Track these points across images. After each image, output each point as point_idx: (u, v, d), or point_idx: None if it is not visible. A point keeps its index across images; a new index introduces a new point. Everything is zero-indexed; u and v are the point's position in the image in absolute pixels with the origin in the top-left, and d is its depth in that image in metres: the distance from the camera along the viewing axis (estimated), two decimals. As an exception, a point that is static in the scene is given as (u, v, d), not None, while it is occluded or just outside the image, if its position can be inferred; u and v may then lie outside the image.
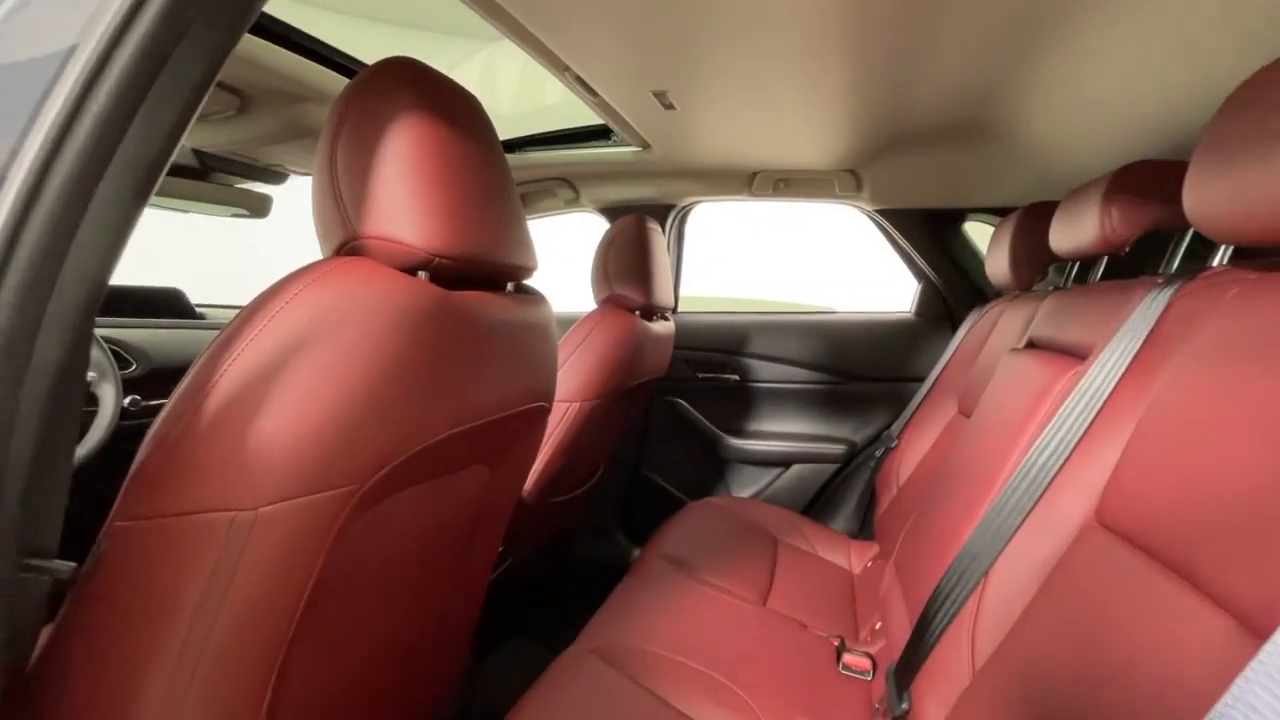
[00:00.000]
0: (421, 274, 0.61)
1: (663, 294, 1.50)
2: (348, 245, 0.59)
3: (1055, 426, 0.78)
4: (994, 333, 1.38)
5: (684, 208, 1.85)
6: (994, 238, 1.36)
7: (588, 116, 1.53)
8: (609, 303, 1.44)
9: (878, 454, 1.68)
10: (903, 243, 1.69)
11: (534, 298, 0.84)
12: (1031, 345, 1.08)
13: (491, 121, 0.72)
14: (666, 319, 1.67)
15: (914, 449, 1.56)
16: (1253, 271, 0.62)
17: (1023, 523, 0.75)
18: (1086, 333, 0.83)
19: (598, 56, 0.99)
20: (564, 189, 1.78)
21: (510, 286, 0.80)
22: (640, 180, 1.73)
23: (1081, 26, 0.85)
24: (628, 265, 1.42)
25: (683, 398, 1.95)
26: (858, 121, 1.30)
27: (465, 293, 0.66)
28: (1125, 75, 0.99)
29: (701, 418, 1.93)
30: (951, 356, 1.56)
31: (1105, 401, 0.73)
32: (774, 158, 1.53)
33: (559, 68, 1.06)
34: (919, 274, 1.76)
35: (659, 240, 1.49)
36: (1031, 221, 1.20)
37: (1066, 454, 0.75)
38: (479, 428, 0.71)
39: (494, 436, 0.77)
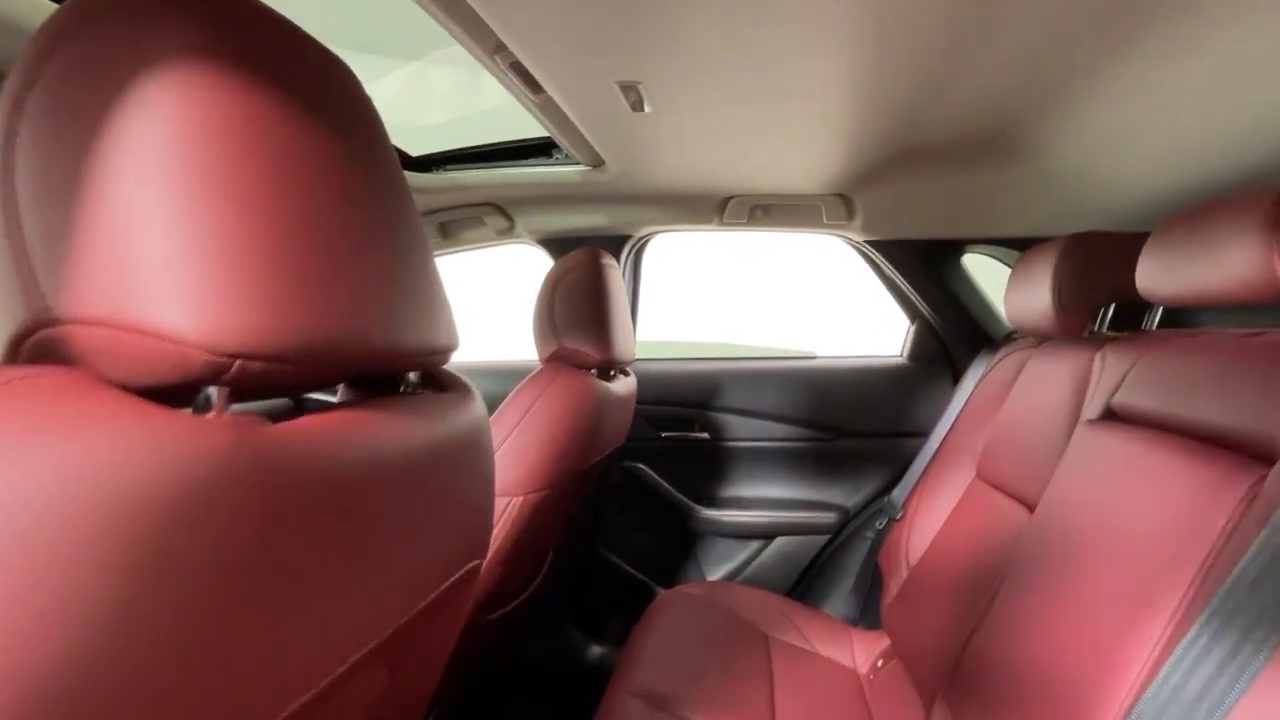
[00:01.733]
0: (211, 391, 0.31)
1: (624, 345, 1.20)
2: (34, 337, 0.29)
3: (1257, 561, 0.53)
4: (1021, 386, 1.15)
5: (641, 239, 1.56)
6: (1017, 273, 1.14)
7: (525, 127, 1.22)
8: (557, 360, 1.13)
9: (879, 525, 1.43)
10: (897, 278, 1.46)
11: (452, 395, 0.53)
12: (1114, 416, 0.85)
13: (370, 102, 0.44)
14: (627, 374, 1.37)
15: (925, 521, 1.31)
16: None
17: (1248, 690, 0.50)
18: (1263, 415, 0.59)
19: (546, 32, 0.70)
20: (495, 217, 1.46)
21: (414, 378, 0.50)
22: (589, 206, 1.43)
23: (1147, 48, 0.75)
24: (580, 311, 1.12)
25: (644, 462, 1.64)
26: (860, 135, 1.05)
27: (305, 422, 0.35)
28: (1190, 99, 0.85)
29: (667, 485, 1.63)
30: (962, 410, 1.33)
31: None
32: (752, 179, 1.28)
33: (489, 48, 0.75)
34: (913, 313, 1.54)
35: (616, 278, 1.19)
36: (1081, 253, 0.98)
37: None
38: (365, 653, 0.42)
39: (395, 640, 0.47)
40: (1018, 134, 1.05)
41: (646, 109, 0.88)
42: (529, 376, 1.09)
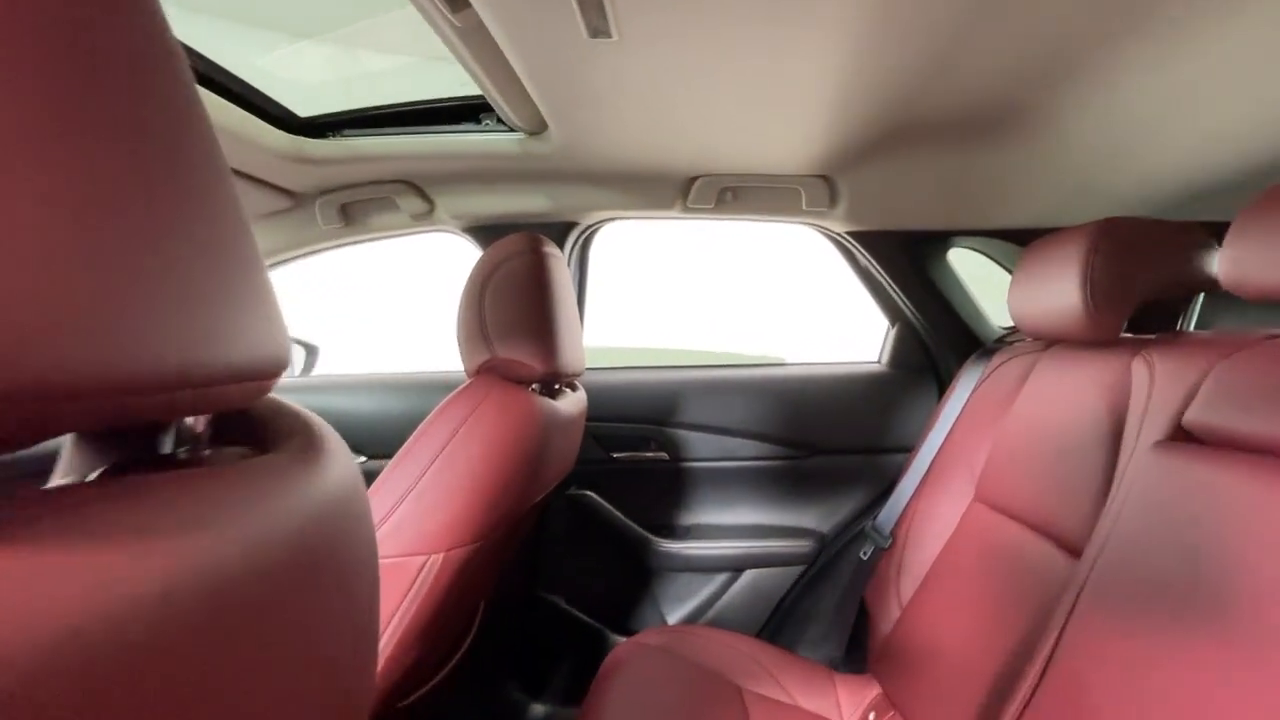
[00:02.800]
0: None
1: (572, 353, 0.98)
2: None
3: None
4: (1030, 396, 1.01)
5: (589, 227, 1.33)
6: (1024, 267, 1.00)
7: (449, 83, 0.98)
8: (490, 374, 0.89)
9: (862, 554, 1.25)
10: (880, 274, 1.30)
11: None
12: (1189, 436, 0.69)
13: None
14: (575, 388, 1.14)
15: (918, 550, 1.14)
16: None
17: None
18: None
19: None
20: (410, 197, 1.20)
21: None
22: (527, 186, 1.19)
23: (1186, 15, 0.67)
24: (518, 312, 0.89)
25: (592, 488, 1.41)
26: (852, 108, 0.88)
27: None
28: (1232, 73, 0.75)
29: (619, 514, 1.40)
30: (955, 423, 1.17)
31: None
32: (723, 156, 1.08)
33: None
34: (895, 315, 1.38)
35: (562, 272, 0.97)
36: (1115, 241, 0.84)
37: None
38: None
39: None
40: (1030, 112, 0.90)
41: (613, 34, 0.65)
42: (452, 394, 0.84)
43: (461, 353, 0.94)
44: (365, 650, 0.34)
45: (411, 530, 0.77)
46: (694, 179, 1.15)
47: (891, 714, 1.05)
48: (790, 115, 0.93)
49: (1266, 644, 0.50)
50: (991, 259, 1.32)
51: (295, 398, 1.48)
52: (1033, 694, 0.72)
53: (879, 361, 1.44)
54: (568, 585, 1.44)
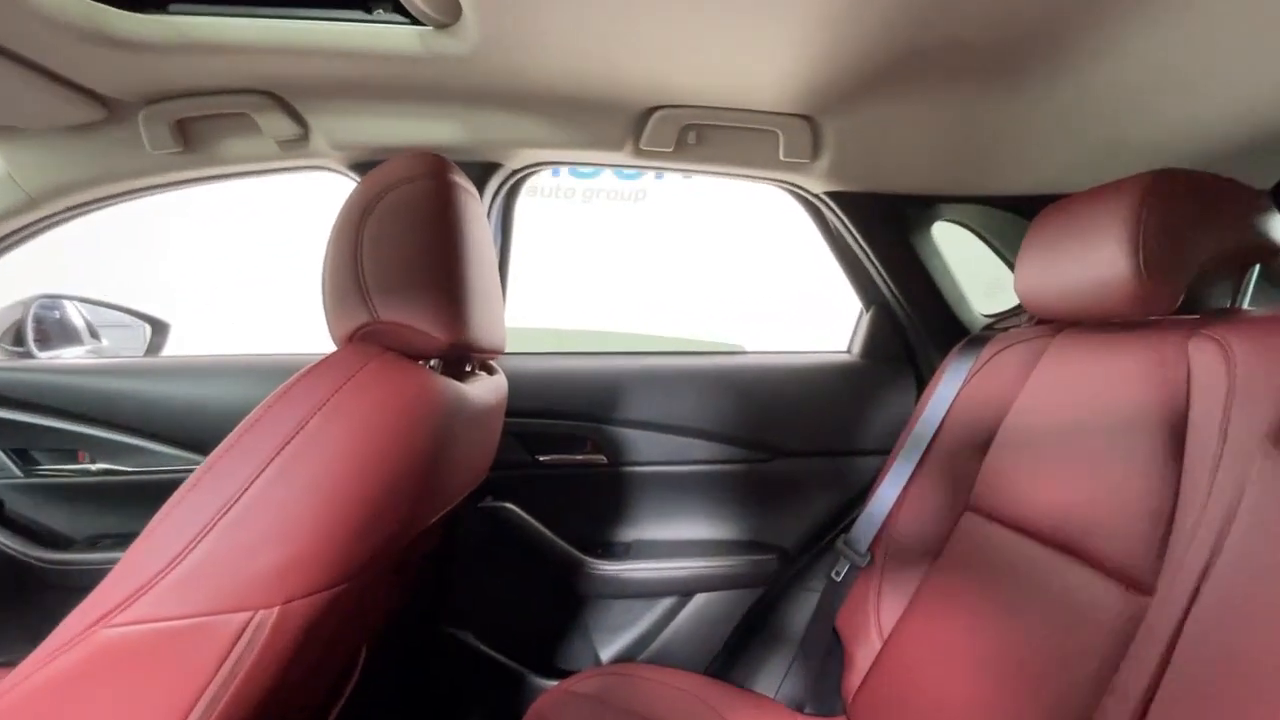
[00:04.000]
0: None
1: (489, 323, 0.73)
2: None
3: None
4: (1040, 387, 0.85)
5: (517, 173, 1.07)
6: (1036, 237, 0.84)
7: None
8: (367, 343, 0.63)
9: (834, 574, 1.07)
10: (860, 248, 1.12)
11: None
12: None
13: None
14: (493, 371, 0.88)
15: (901, 572, 0.97)
16: None
17: None
18: None
19: None
20: (274, 115, 0.90)
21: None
22: (433, 107, 0.92)
23: None
24: (414, 258, 0.64)
25: (513, 499, 1.15)
26: (841, 30, 0.70)
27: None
28: None
29: (546, 530, 1.15)
30: (942, 421, 1.01)
31: None
32: (688, 83, 0.85)
33: None
34: (871, 296, 1.20)
35: (476, 211, 0.72)
36: (1172, 198, 0.68)
37: None
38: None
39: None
40: (1051, 51, 0.74)
41: None
42: (307, 369, 0.57)
43: (328, 315, 0.66)
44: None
45: (221, 576, 0.49)
46: (651, 111, 0.91)
47: None
48: (771, 35, 0.72)
49: None
50: (980, 236, 1.17)
51: (131, 383, 1.13)
52: None
53: (849, 351, 1.27)
54: (480, 618, 1.17)
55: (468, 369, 0.79)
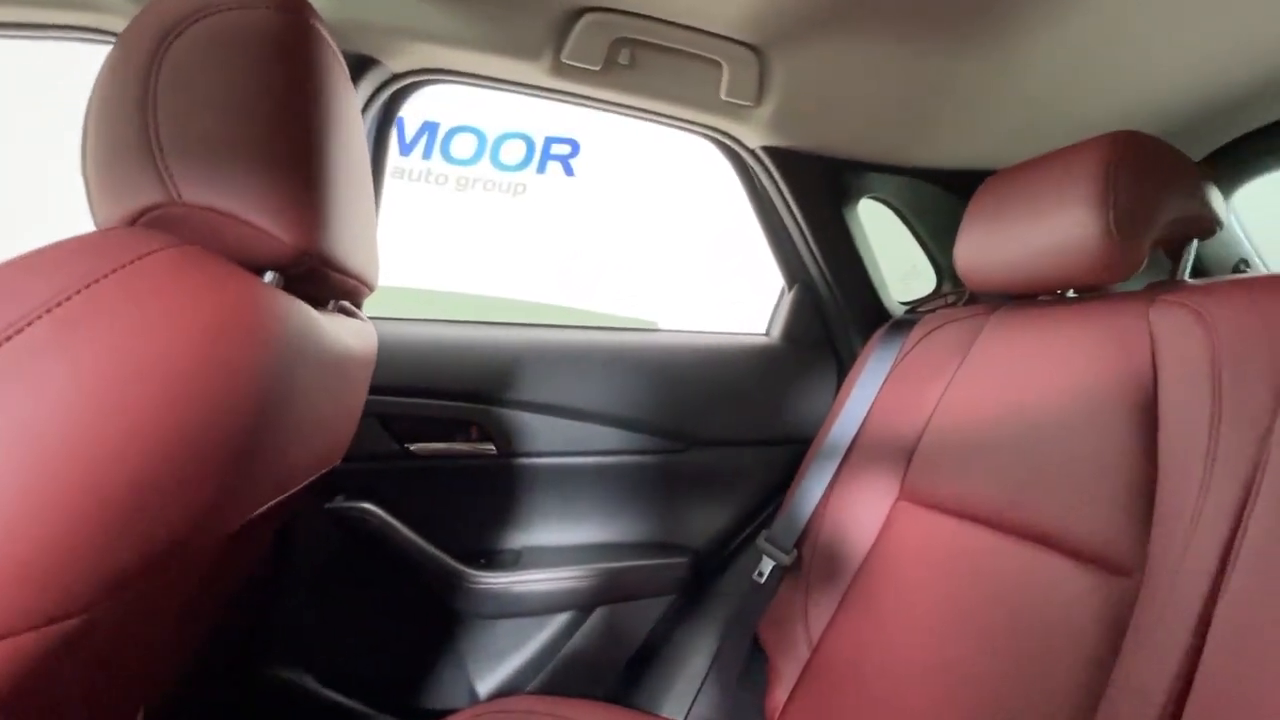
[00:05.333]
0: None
1: (356, 239, 0.52)
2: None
3: None
4: (979, 366, 0.80)
5: (401, 79, 0.84)
6: (982, 208, 0.79)
7: None
8: (159, 229, 0.40)
9: (757, 575, 0.95)
10: (794, 214, 1.02)
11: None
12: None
13: None
14: (356, 313, 0.66)
15: (831, 570, 0.88)
16: None
17: None
18: None
19: None
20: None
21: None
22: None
23: None
24: (244, 115, 0.42)
25: (373, 498, 0.91)
26: None
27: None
28: None
29: (417, 538, 0.92)
30: (871, 406, 0.94)
31: None
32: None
33: None
34: (796, 273, 1.12)
35: (342, 79, 0.51)
36: (1138, 161, 0.65)
37: None
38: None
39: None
40: (1010, 6, 0.70)
41: None
42: (31, 252, 0.34)
43: (90, 195, 0.43)
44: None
45: None
46: (580, 13, 0.74)
47: None
48: None
49: None
50: (904, 217, 1.13)
51: None
52: None
53: (768, 334, 1.17)
54: (323, 655, 0.91)
55: (325, 305, 0.57)
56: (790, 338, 1.12)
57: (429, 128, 4.02)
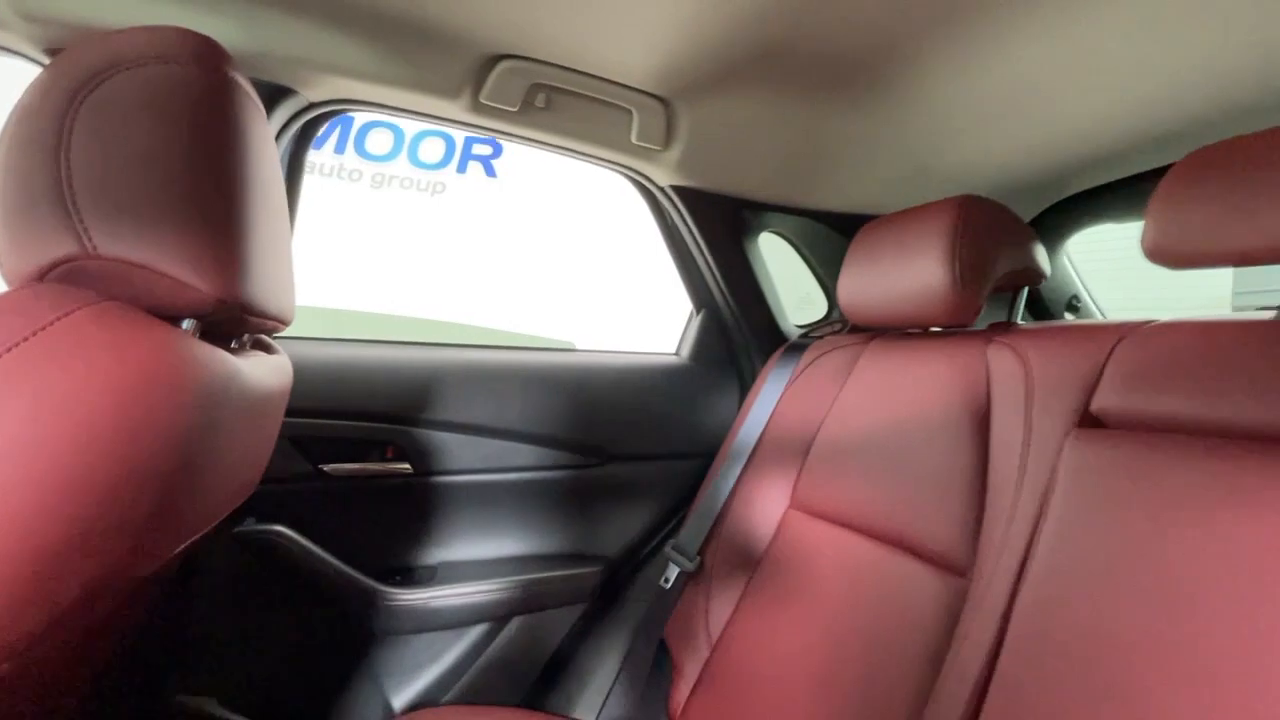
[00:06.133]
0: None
1: (275, 281, 0.54)
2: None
3: None
4: (857, 389, 0.91)
5: (318, 108, 0.85)
6: (859, 251, 0.90)
7: None
8: (72, 283, 0.41)
9: (663, 582, 1.03)
10: (698, 244, 1.10)
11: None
12: (1099, 423, 0.61)
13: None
14: (272, 348, 0.67)
15: (729, 574, 0.96)
16: None
17: None
18: None
19: None
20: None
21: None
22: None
23: None
24: (161, 167, 0.43)
25: (285, 520, 0.91)
26: (703, 12, 0.68)
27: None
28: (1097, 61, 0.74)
29: (331, 558, 0.93)
30: (767, 424, 1.03)
31: None
32: (543, 35, 0.75)
33: None
34: (702, 299, 1.20)
35: (260, 125, 0.53)
36: (982, 219, 0.77)
37: None
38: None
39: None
40: (889, 73, 0.81)
41: None
42: None
43: (4, 242, 0.43)
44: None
45: None
46: (496, 60, 0.79)
47: None
48: (637, 2, 0.67)
49: (1224, 630, 0.42)
50: (799, 250, 1.25)
51: None
52: None
53: (678, 354, 1.25)
54: (231, 679, 0.90)
55: (235, 345, 0.58)
56: (698, 358, 1.21)
57: (343, 120, 3.86)
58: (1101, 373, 0.62)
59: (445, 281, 3.64)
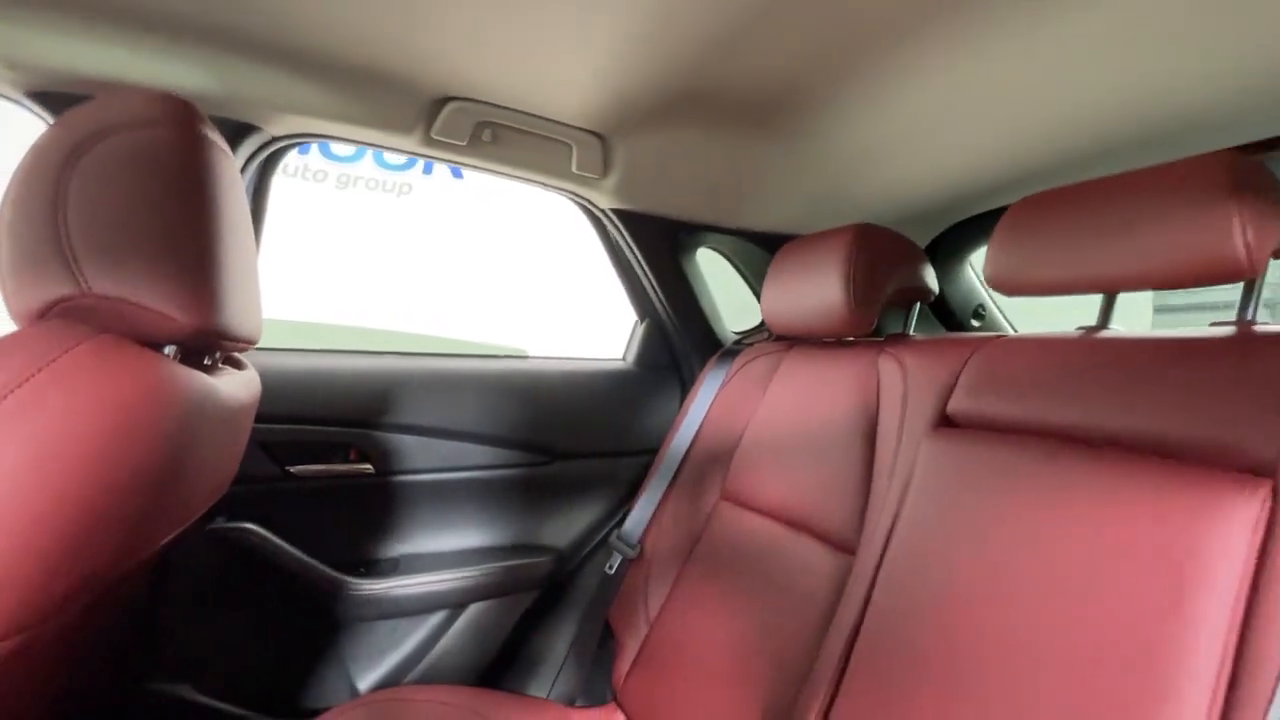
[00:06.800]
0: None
1: (243, 307, 0.63)
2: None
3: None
4: (777, 392, 1.02)
5: (280, 141, 0.92)
6: (778, 269, 1.01)
7: None
8: (71, 319, 0.50)
9: (608, 568, 1.13)
10: (639, 264, 1.20)
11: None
12: (952, 423, 0.73)
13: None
14: (242, 366, 0.75)
15: (666, 559, 1.07)
16: None
17: None
18: (1219, 423, 0.49)
19: None
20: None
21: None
22: (168, 39, 0.75)
23: (940, 54, 0.74)
24: (145, 217, 0.52)
25: (255, 519, 0.98)
26: (631, 62, 0.79)
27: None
28: (969, 109, 0.86)
29: (298, 552, 1.01)
30: (701, 423, 1.14)
31: None
32: (486, 78, 0.84)
33: None
34: (645, 310, 1.30)
35: (231, 175, 0.62)
36: (873, 245, 0.88)
37: None
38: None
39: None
40: (802, 113, 0.92)
41: None
42: None
43: (4, 283, 0.51)
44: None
45: None
46: (445, 101, 0.88)
47: None
48: (577, 44, 0.76)
49: (1043, 594, 0.53)
50: (732, 262, 1.36)
51: None
52: (835, 692, 0.67)
53: (624, 359, 1.35)
54: (204, 666, 0.98)
55: (208, 362, 0.67)
56: (641, 363, 1.31)
57: (306, 121, 3.84)
58: (957, 380, 0.74)
59: (409, 288, 3.68)
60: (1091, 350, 0.63)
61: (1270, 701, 0.39)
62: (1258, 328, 0.56)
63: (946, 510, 0.65)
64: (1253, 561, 0.43)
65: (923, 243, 1.24)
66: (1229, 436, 0.48)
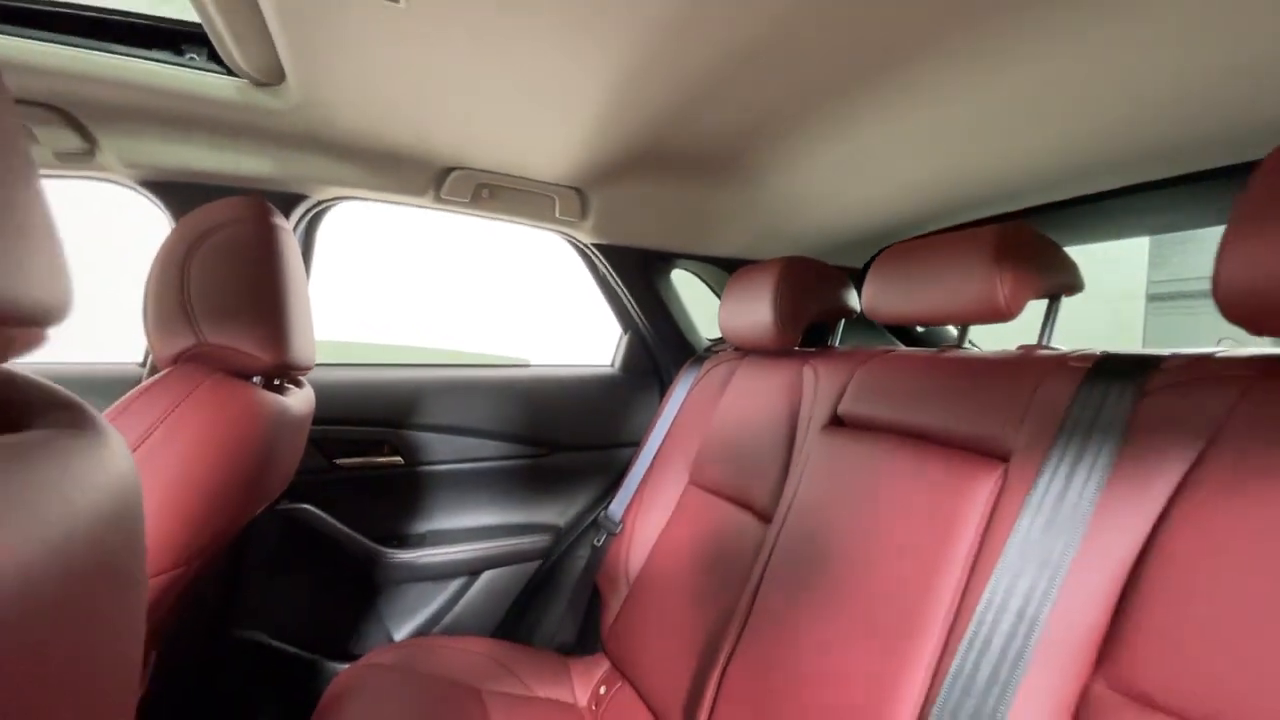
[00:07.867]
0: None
1: (303, 343, 0.86)
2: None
3: (1017, 551, 0.60)
4: (732, 394, 1.23)
5: (321, 204, 1.17)
6: (732, 289, 1.22)
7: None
8: (195, 363, 0.74)
9: (596, 542, 1.36)
10: (618, 285, 1.43)
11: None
12: (842, 423, 0.93)
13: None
14: (301, 384, 1.00)
15: (643, 534, 1.29)
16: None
17: (1021, 683, 0.55)
18: (983, 421, 0.69)
19: None
20: (57, 129, 0.90)
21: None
22: (241, 142, 1.00)
23: (863, 115, 0.88)
24: (240, 290, 0.75)
25: (311, 500, 1.24)
26: (605, 129, 0.98)
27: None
28: (882, 161, 1.04)
29: (343, 527, 1.26)
30: (674, 419, 1.36)
31: (1089, 520, 0.57)
32: (483, 152, 1.07)
33: None
34: (627, 323, 1.53)
35: (293, 248, 0.85)
36: (796, 275, 1.08)
37: (1052, 591, 0.56)
38: None
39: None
40: (747, 162, 1.11)
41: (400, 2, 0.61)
42: (147, 384, 0.67)
43: (151, 337, 0.75)
44: (125, 685, 0.26)
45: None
46: (450, 170, 1.11)
47: (620, 684, 1.16)
48: (555, 120, 0.97)
49: (928, 581, 0.70)
50: (704, 281, 1.57)
51: None
52: (735, 647, 0.88)
53: (612, 365, 1.58)
54: (274, 616, 1.24)
55: (277, 383, 0.91)
56: (625, 369, 1.53)
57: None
58: (846, 387, 0.94)
59: (422, 304, 3.98)
60: (943, 366, 0.83)
61: (973, 611, 0.60)
62: (1041, 352, 0.75)
63: (827, 490, 0.86)
64: (985, 519, 0.64)
65: (860, 263, 1.43)
66: (986, 432, 0.68)
